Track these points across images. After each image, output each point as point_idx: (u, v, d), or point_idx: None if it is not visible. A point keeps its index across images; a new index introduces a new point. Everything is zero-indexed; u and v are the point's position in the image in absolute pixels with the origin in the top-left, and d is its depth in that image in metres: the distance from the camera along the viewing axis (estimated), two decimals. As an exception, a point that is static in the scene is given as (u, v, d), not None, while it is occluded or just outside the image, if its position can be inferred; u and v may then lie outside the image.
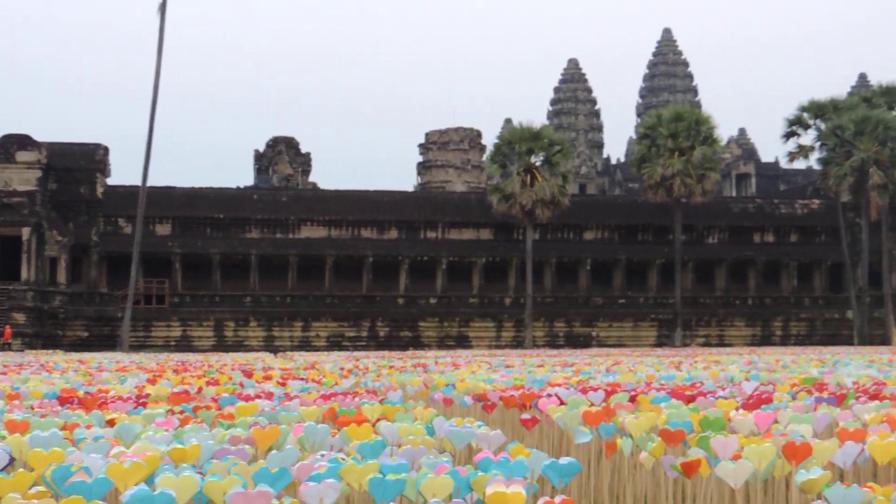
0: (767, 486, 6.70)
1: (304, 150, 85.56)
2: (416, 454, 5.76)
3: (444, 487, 4.72)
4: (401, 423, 7.25)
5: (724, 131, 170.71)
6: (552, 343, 61.53)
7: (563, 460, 5.21)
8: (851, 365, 20.93)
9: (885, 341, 61.45)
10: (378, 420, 7.57)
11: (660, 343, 62.60)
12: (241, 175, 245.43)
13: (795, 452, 5.91)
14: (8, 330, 53.83)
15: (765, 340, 63.89)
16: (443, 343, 61.02)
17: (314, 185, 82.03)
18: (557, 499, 4.47)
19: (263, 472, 4.71)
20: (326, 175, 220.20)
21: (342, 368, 20.43)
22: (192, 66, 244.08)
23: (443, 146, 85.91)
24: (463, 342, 61.36)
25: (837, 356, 28.84)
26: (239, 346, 57.76)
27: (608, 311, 64.49)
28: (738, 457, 5.91)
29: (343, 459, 5.22)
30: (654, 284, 66.28)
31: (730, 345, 60.87)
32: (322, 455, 5.53)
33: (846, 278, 64.86)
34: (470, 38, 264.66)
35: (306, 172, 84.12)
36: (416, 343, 60.28)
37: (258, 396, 10.23)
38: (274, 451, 5.63)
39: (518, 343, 61.40)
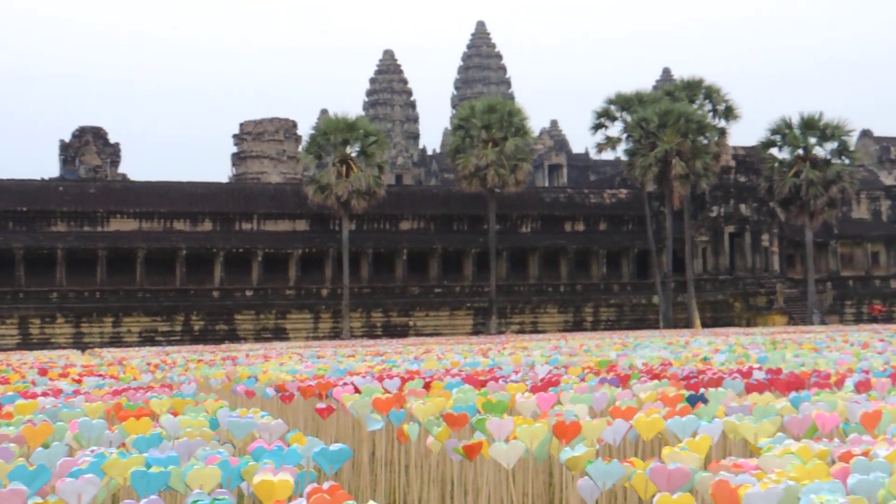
0: (545, 465, 6.92)
1: (112, 140, 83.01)
2: (192, 446, 5.68)
3: (212, 478, 4.68)
4: (187, 415, 7.15)
5: (537, 123, 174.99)
6: (370, 333, 61.66)
7: (334, 447, 5.25)
8: (649, 347, 21.79)
9: (688, 324, 64.11)
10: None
11: (476, 331, 63.56)
12: (45, 166, 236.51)
13: (565, 431, 6.10)
14: None
15: (577, 326, 65.72)
16: (260, 336, 60.33)
17: (124, 176, 79.69)
18: (326, 485, 4.50)
19: (20, 470, 4.55)
20: (137, 166, 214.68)
21: (149, 364, 20.02)
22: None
23: (258, 137, 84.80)
24: (280, 334, 60.83)
25: (639, 339, 29.98)
26: (45, 344, 55.54)
27: (425, 301, 65.04)
28: (514, 438, 6.08)
29: (108, 454, 5.11)
30: (470, 273, 67.23)
31: (544, 331, 62.36)
32: (91, 451, 5.40)
33: (652, 265, 67.31)
34: (285, 26, 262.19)
35: (115, 163, 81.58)
36: (233, 336, 59.39)
37: (45, 394, 9.89)
38: (39, 449, 5.46)
39: (336, 334, 61.26)
